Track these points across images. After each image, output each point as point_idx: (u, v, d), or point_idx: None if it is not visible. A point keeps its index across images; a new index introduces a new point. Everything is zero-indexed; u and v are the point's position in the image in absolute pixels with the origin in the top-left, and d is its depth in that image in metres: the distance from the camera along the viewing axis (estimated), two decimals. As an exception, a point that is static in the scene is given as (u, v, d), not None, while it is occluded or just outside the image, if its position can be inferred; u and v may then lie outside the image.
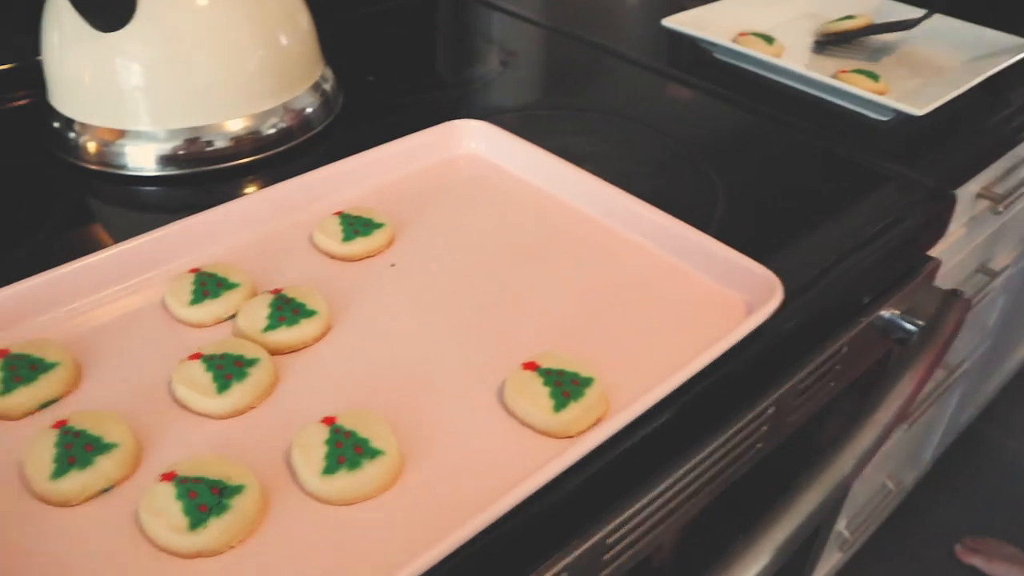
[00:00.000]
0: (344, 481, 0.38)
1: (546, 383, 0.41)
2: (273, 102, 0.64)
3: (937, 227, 0.65)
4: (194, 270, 0.49)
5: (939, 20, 0.87)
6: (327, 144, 0.67)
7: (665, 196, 0.57)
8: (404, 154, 0.62)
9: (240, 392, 0.42)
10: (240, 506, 0.36)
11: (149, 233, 0.51)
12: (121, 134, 0.62)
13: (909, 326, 0.62)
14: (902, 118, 0.72)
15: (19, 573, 0.34)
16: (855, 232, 0.58)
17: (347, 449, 0.39)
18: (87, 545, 0.36)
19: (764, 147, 0.70)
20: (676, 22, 0.84)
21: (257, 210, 0.55)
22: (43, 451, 0.38)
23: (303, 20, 0.66)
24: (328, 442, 0.39)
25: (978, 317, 1.13)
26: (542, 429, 0.41)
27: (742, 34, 0.85)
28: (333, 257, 0.53)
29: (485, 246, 0.54)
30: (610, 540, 0.43)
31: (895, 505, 1.29)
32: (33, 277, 0.47)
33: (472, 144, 0.64)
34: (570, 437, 0.41)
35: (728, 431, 0.49)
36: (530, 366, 0.43)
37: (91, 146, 0.63)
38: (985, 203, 0.89)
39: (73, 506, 0.37)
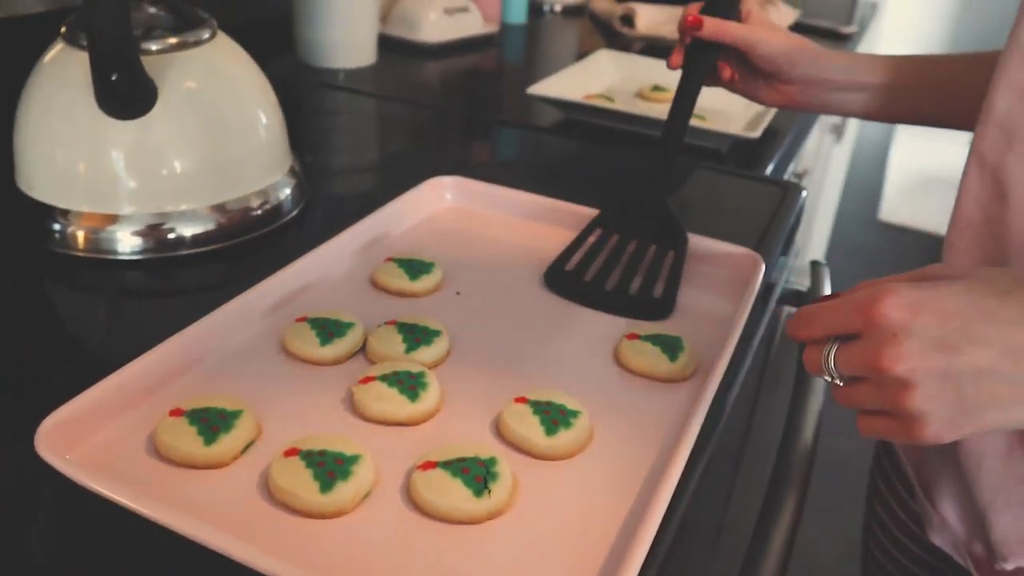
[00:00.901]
0: (567, 437, 0.45)
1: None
2: (260, 185, 0.68)
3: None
4: (301, 319, 0.53)
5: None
6: (314, 220, 0.71)
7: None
8: (398, 214, 0.68)
9: (428, 398, 0.47)
10: (504, 474, 0.42)
11: (244, 294, 0.53)
12: (112, 219, 0.63)
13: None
14: (739, 141, 0.92)
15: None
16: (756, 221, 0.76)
17: (554, 415, 0.46)
18: (375, 536, 0.40)
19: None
20: (539, 90, 0.99)
21: (319, 264, 0.59)
22: (299, 474, 0.41)
23: (277, 111, 0.71)
24: (535, 413, 0.46)
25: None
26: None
27: (588, 97, 1.02)
28: (403, 295, 0.59)
29: (518, 272, 0.64)
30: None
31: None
32: (168, 341, 0.48)
33: (448, 196, 0.73)
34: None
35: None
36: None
37: (79, 235, 0.62)
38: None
39: (347, 513, 0.41)
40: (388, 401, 0.46)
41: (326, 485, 0.41)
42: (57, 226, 0.63)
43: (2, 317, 0.57)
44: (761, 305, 0.68)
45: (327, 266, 0.60)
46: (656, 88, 1.10)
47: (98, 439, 0.44)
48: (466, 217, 0.71)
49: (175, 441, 0.43)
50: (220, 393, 0.47)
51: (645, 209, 0.65)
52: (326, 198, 0.76)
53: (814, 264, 0.84)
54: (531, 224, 0.70)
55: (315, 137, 0.93)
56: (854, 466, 1.81)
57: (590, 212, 0.68)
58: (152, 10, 0.66)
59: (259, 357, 0.52)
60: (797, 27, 1.62)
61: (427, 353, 0.51)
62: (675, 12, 1.54)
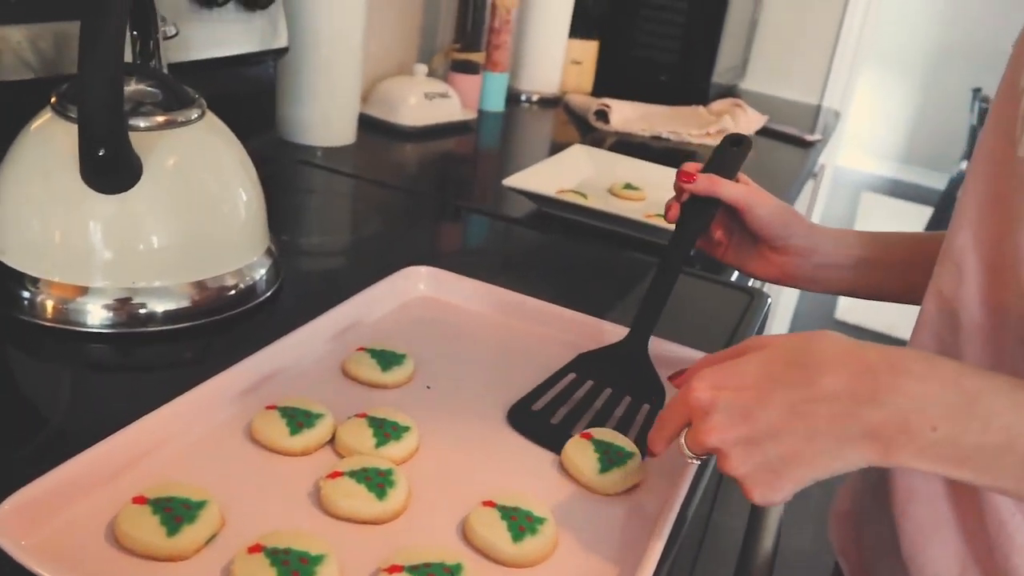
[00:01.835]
0: (533, 544, 0.45)
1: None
2: (236, 264, 0.68)
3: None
4: (271, 407, 0.53)
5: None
6: (287, 302, 0.72)
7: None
8: (371, 302, 0.69)
9: (395, 496, 0.47)
10: (469, 579, 0.42)
11: (209, 381, 0.53)
12: (84, 291, 0.62)
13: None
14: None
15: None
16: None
17: (520, 520, 0.46)
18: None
19: (623, 270, 0.88)
20: (513, 182, 1.01)
21: (292, 350, 0.59)
22: (263, 572, 0.40)
23: (259, 192, 0.71)
24: (503, 518, 0.46)
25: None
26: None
27: (561, 191, 1.04)
28: (373, 386, 0.59)
29: (488, 367, 0.64)
30: None
31: None
32: (134, 424, 0.48)
33: (421, 286, 0.73)
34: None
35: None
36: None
37: (48, 304, 0.62)
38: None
39: (310, 614, 0.40)
40: (356, 498, 0.46)
41: (289, 588, 0.40)
42: (26, 294, 0.62)
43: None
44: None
45: (299, 352, 0.60)
46: (628, 186, 1.13)
47: (56, 524, 0.43)
48: (439, 308, 0.72)
49: (136, 531, 0.42)
50: (185, 482, 0.46)
51: (623, 357, 0.63)
52: (300, 280, 0.76)
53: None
54: (502, 318, 0.71)
55: (291, 215, 0.93)
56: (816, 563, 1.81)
57: (560, 311, 0.69)
58: (143, 85, 0.66)
59: (226, 443, 0.51)
60: (764, 132, 1.69)
61: (396, 449, 0.51)
62: (648, 110, 1.60)
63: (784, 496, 0.41)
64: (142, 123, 0.63)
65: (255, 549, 0.42)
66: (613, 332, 0.67)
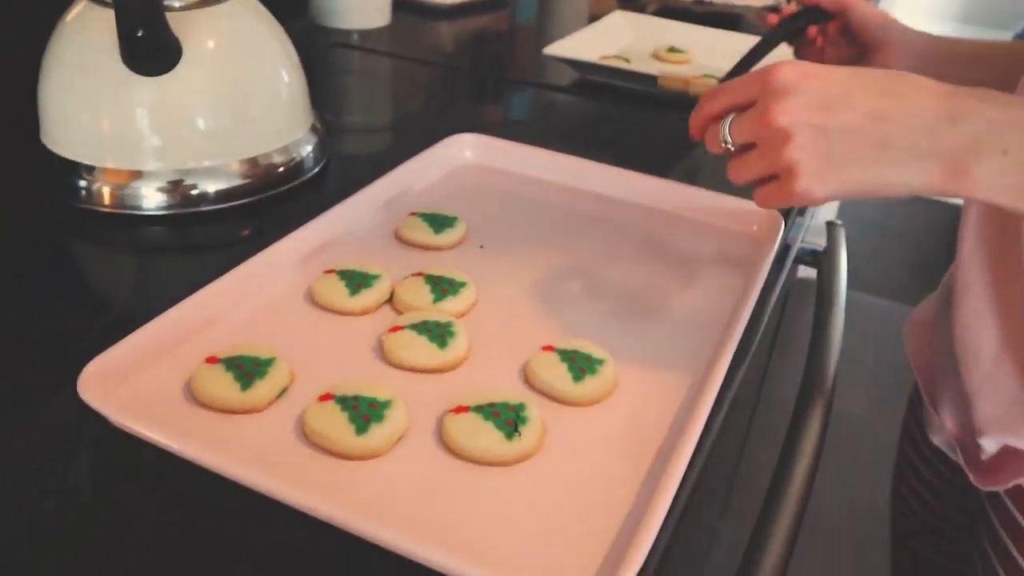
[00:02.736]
0: (593, 384, 0.46)
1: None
2: (282, 142, 0.68)
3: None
4: (329, 271, 0.54)
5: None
6: (335, 176, 0.72)
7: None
8: (419, 170, 0.69)
9: (456, 345, 0.48)
10: (533, 418, 0.43)
11: (275, 244, 0.54)
12: (137, 175, 0.63)
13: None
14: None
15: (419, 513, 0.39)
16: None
17: (580, 362, 0.47)
18: (408, 477, 0.41)
19: (665, 130, 0.86)
20: (554, 51, 0.99)
21: (345, 218, 0.60)
22: (335, 418, 0.42)
23: (298, 69, 0.71)
24: (563, 360, 0.47)
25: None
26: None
27: (603, 58, 1.01)
28: (427, 248, 0.60)
29: (538, 226, 0.64)
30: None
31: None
32: (202, 291, 0.49)
33: (468, 152, 0.73)
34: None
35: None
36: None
37: (105, 191, 0.63)
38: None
39: (382, 455, 0.42)
40: (418, 348, 0.47)
41: (361, 428, 0.42)
42: (83, 183, 0.64)
43: (32, 272, 0.57)
44: (778, 265, 0.69)
45: (352, 220, 0.61)
46: (672, 49, 1.09)
47: (137, 386, 0.45)
48: (485, 173, 0.72)
49: (212, 387, 0.44)
50: (253, 342, 0.47)
51: None
52: (346, 155, 0.76)
53: (830, 224, 0.84)
54: (548, 180, 0.71)
55: (332, 96, 0.93)
56: (868, 431, 1.82)
57: (606, 169, 0.69)
58: (174, -34, 0.66)
59: (289, 307, 0.53)
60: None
61: (454, 303, 0.52)
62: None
63: (825, 193, 0.41)
64: (177, 3, 0.62)
65: (326, 398, 0.43)
66: (663, 188, 0.66)
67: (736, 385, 0.51)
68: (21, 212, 0.64)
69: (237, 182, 0.65)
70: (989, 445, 0.61)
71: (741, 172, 0.44)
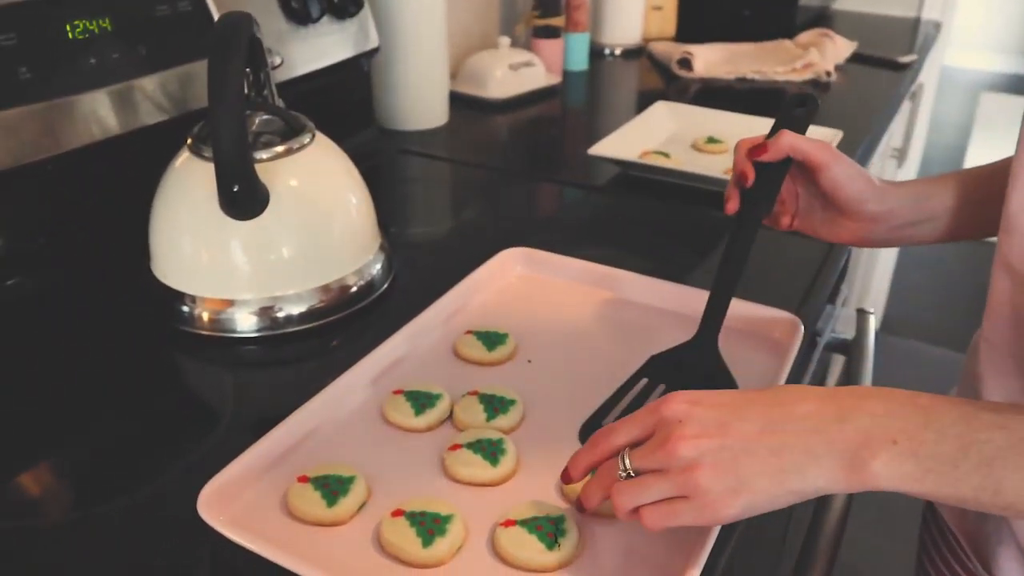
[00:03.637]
0: (624, 497, 0.53)
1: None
2: (355, 265, 0.78)
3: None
4: (398, 391, 0.63)
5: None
6: (401, 292, 0.81)
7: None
8: (473, 287, 0.78)
9: (506, 462, 0.56)
10: (571, 530, 0.51)
11: (363, 361, 0.64)
12: (231, 303, 0.73)
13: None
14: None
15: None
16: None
17: (613, 477, 0.54)
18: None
19: (704, 228, 0.94)
20: (598, 150, 1.08)
21: (410, 339, 0.69)
22: (405, 532, 0.50)
23: (367, 197, 0.81)
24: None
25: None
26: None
27: (644, 153, 1.10)
28: (481, 364, 0.68)
29: (582, 338, 0.72)
30: None
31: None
32: (294, 414, 0.58)
33: (518, 267, 0.82)
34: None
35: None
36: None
37: (204, 315, 0.73)
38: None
39: (445, 564, 0.50)
40: (473, 466, 0.56)
41: (427, 541, 0.50)
42: (185, 308, 0.74)
43: (142, 388, 0.68)
44: (805, 356, 0.75)
45: (415, 340, 0.70)
46: (710, 140, 1.17)
47: (243, 502, 0.54)
48: (535, 285, 0.80)
49: (304, 504, 0.53)
50: (336, 461, 0.56)
51: (695, 357, 0.64)
52: (410, 269, 0.86)
53: (860, 312, 0.90)
54: (593, 290, 0.79)
55: (397, 207, 1.03)
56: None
57: (639, 278, 0.76)
58: (261, 117, 0.77)
59: (364, 425, 0.61)
60: (855, 58, 1.67)
61: (505, 420, 0.60)
62: (732, 50, 1.61)
63: (737, 511, 0.43)
64: (264, 155, 0.73)
65: (397, 513, 0.52)
66: (692, 296, 0.74)
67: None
68: (132, 333, 0.75)
69: (317, 305, 0.75)
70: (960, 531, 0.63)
71: (636, 495, 0.46)
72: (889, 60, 1.67)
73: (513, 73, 1.42)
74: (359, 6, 1.06)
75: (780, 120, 0.67)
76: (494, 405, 0.61)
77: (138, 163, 0.78)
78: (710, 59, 1.59)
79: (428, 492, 0.55)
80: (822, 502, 0.68)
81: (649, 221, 0.99)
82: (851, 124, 1.22)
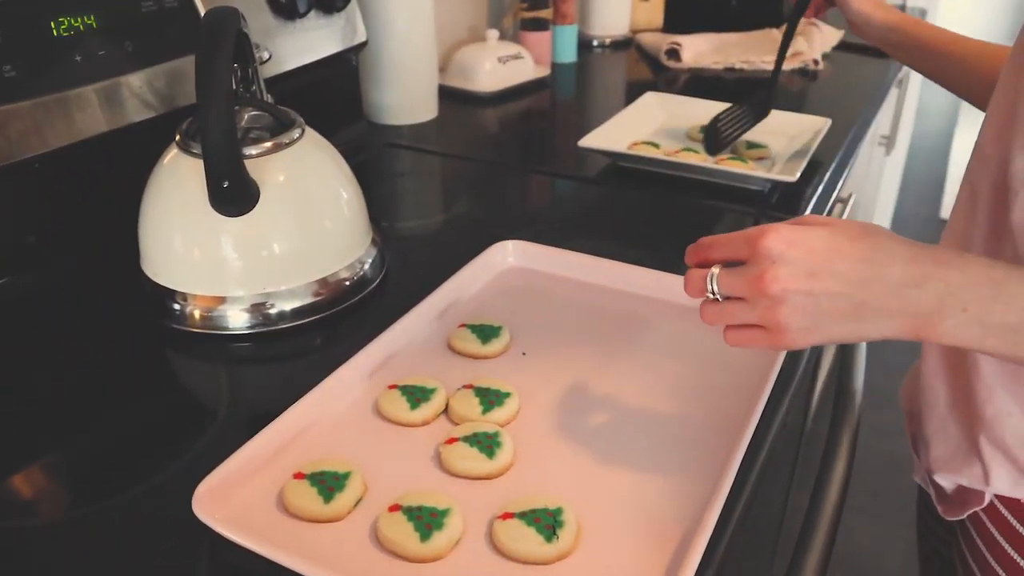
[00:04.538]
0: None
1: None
2: (348, 260, 0.78)
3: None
4: (392, 386, 0.63)
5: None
6: (393, 286, 0.81)
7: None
8: (467, 280, 0.78)
9: (503, 454, 0.56)
10: (570, 521, 0.51)
11: (353, 358, 0.64)
12: (223, 300, 0.73)
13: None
14: (778, 184, 0.99)
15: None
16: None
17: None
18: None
19: (694, 218, 0.94)
20: (588, 142, 1.07)
21: (403, 333, 0.69)
22: (402, 527, 0.50)
23: (358, 191, 0.80)
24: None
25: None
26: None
27: (634, 144, 1.10)
28: (476, 358, 0.68)
29: (576, 329, 0.72)
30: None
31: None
32: (289, 411, 0.58)
33: (511, 259, 0.82)
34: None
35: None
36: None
37: (196, 313, 0.73)
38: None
39: (443, 558, 0.50)
40: (470, 459, 0.55)
41: (425, 535, 0.50)
42: (177, 306, 0.74)
43: (135, 387, 0.67)
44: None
45: (409, 334, 0.69)
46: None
47: (238, 499, 0.53)
48: (527, 277, 0.80)
49: (300, 501, 0.52)
50: (331, 457, 0.56)
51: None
52: (401, 264, 0.85)
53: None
54: (583, 281, 0.79)
55: (387, 201, 1.03)
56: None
57: (632, 269, 0.77)
58: (250, 113, 0.76)
59: (359, 420, 0.61)
60: (842, 47, 1.67)
61: (500, 413, 0.60)
62: (720, 40, 1.61)
63: (807, 345, 0.49)
64: (254, 151, 0.72)
65: (394, 508, 0.52)
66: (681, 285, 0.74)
67: (759, 466, 0.58)
68: (124, 332, 0.74)
69: (310, 300, 0.74)
70: (944, 482, 0.71)
71: (721, 317, 0.51)
72: (876, 48, 1.67)
73: (502, 66, 1.42)
74: (346, 0, 1.06)
75: None
76: (489, 398, 0.61)
77: (126, 161, 0.77)
78: (698, 49, 1.59)
79: (425, 486, 0.55)
80: (818, 490, 0.69)
81: (640, 212, 0.99)
82: (839, 112, 1.22)
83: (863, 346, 0.84)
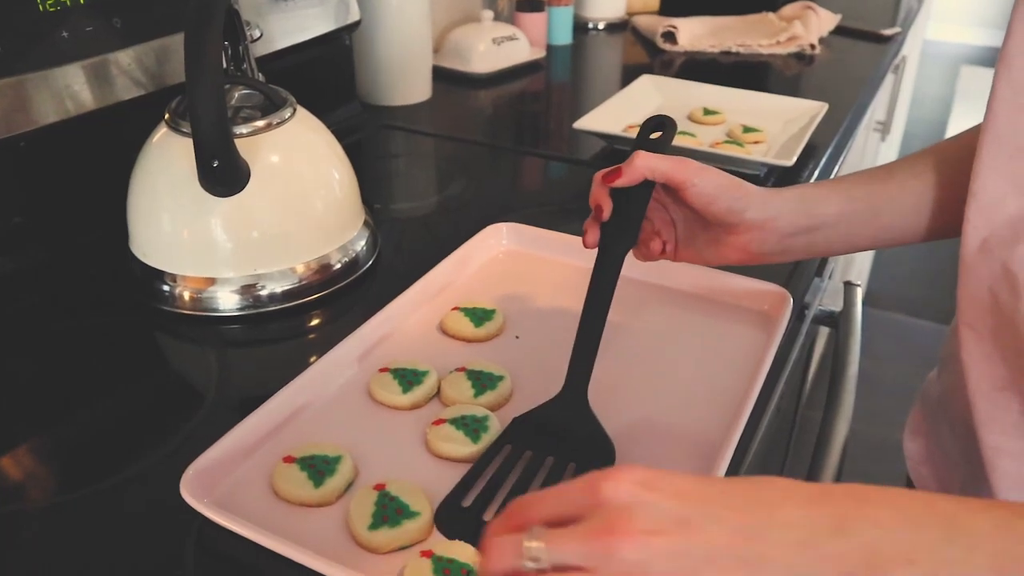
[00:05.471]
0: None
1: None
2: (339, 242, 0.77)
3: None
4: (384, 369, 0.62)
5: (756, 97, 1.17)
6: (386, 268, 0.80)
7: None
8: (460, 263, 0.77)
9: (488, 439, 0.56)
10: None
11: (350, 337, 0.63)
12: (213, 281, 0.72)
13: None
14: (775, 168, 0.98)
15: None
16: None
17: (603, 453, 0.54)
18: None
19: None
20: (583, 125, 1.06)
21: (396, 316, 0.68)
22: (364, 507, 0.50)
23: (350, 172, 0.79)
24: (588, 452, 0.54)
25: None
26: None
27: (630, 127, 1.09)
28: (469, 341, 0.67)
29: (569, 313, 0.72)
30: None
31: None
32: (278, 394, 0.57)
33: (504, 241, 0.81)
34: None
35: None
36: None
37: (186, 295, 0.72)
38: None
39: (381, 554, 0.49)
40: (454, 442, 0.55)
41: (376, 525, 0.49)
42: (166, 288, 0.73)
43: (123, 369, 0.67)
44: (794, 329, 0.75)
45: (402, 317, 0.69)
46: (707, 112, 1.16)
47: (227, 483, 0.53)
48: (521, 260, 0.79)
49: (290, 485, 0.52)
50: (322, 441, 0.56)
51: (564, 416, 0.55)
52: (394, 246, 0.84)
53: (847, 285, 0.89)
54: (580, 264, 0.78)
55: (381, 182, 1.02)
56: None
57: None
58: (240, 92, 0.75)
59: (350, 404, 0.61)
60: (839, 31, 1.66)
61: (492, 396, 0.60)
62: (716, 23, 1.60)
63: None
64: (244, 130, 0.71)
65: (379, 487, 0.51)
66: (680, 270, 0.73)
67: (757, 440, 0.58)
68: (113, 313, 0.73)
69: (301, 282, 0.73)
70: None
71: None
72: (873, 33, 1.67)
73: (496, 47, 1.40)
74: (339, -22, 1.04)
75: (636, 146, 0.61)
76: (482, 381, 0.61)
77: (115, 139, 0.76)
78: (694, 32, 1.58)
79: (414, 469, 0.54)
80: (812, 476, 0.68)
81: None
82: (836, 97, 1.21)
83: (858, 331, 0.84)
